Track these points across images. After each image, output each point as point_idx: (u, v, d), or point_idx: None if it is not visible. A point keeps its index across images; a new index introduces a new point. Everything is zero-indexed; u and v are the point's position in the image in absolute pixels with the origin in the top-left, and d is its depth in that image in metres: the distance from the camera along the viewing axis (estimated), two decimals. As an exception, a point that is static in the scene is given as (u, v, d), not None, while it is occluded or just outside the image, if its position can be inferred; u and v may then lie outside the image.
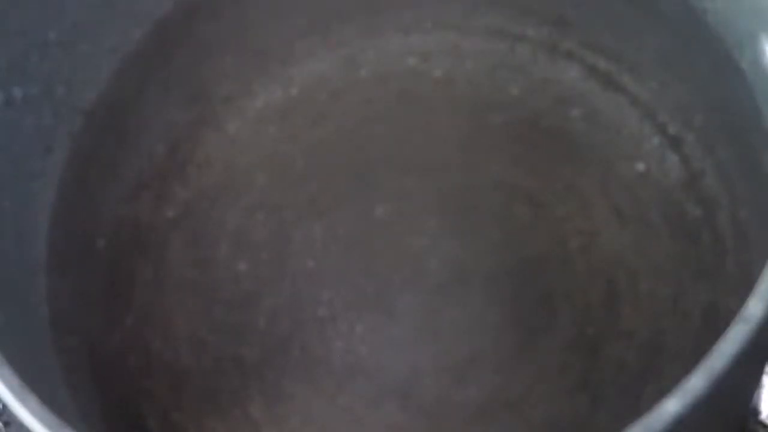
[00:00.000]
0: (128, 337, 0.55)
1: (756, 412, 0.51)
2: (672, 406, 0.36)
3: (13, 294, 0.48)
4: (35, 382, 0.41)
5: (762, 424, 0.51)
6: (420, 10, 0.59)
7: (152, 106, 0.57)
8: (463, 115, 0.57)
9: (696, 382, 0.37)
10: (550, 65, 0.57)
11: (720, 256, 0.52)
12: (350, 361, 0.54)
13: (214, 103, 0.59)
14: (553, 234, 0.55)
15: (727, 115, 0.52)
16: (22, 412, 0.41)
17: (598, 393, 0.51)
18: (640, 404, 0.50)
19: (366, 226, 0.56)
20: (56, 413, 0.40)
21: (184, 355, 0.54)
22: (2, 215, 0.50)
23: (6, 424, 0.55)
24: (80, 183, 0.55)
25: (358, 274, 0.55)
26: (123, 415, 0.52)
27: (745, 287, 0.39)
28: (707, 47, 0.51)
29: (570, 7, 0.57)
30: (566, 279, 0.54)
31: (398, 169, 0.57)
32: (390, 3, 0.59)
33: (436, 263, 0.55)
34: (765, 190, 0.50)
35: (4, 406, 0.42)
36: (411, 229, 0.56)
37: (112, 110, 0.56)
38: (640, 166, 0.55)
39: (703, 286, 0.52)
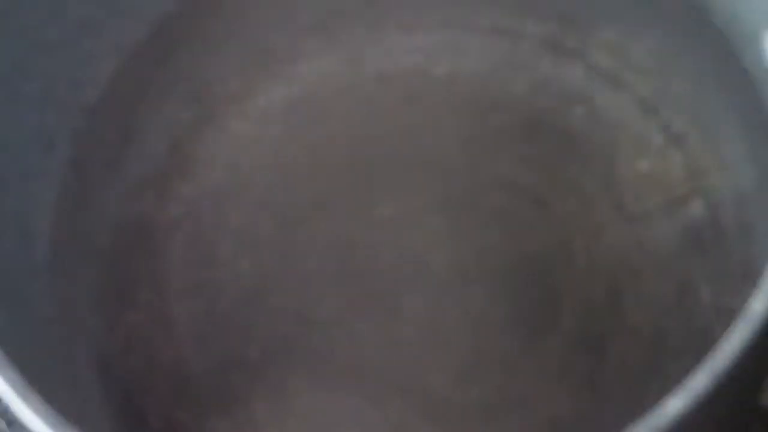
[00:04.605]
0: (131, 335, 0.55)
1: (760, 409, 0.51)
2: (676, 404, 0.36)
3: (16, 293, 0.48)
4: (38, 381, 0.41)
5: (765, 421, 0.51)
6: (423, 9, 0.59)
7: (155, 105, 0.57)
8: (466, 113, 0.57)
9: (700, 381, 0.37)
10: (553, 63, 0.57)
11: (723, 253, 0.52)
12: (354, 361, 0.54)
13: (217, 101, 0.59)
14: (557, 232, 0.55)
15: (730, 113, 0.52)
16: (25, 411, 0.41)
17: (602, 391, 0.51)
18: (644, 402, 0.49)
19: (369, 225, 0.56)
20: (59, 412, 0.40)
21: (187, 355, 0.54)
22: (4, 214, 0.50)
23: (9, 423, 0.55)
24: (82, 181, 0.55)
25: (361, 273, 0.55)
26: (126, 414, 0.52)
27: (748, 285, 0.39)
28: (711, 45, 0.51)
29: (573, 5, 0.57)
30: (570, 277, 0.54)
31: (402, 167, 0.57)
32: (393, 1, 0.59)
33: (439, 262, 0.55)
34: (769, 188, 0.50)
35: (7, 405, 0.42)
36: (414, 227, 0.56)
37: (114, 108, 0.56)
38: (644, 164, 0.55)
39: (707, 284, 0.52)
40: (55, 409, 0.40)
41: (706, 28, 0.51)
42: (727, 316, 0.48)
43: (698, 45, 0.53)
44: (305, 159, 0.58)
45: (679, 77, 0.55)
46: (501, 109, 0.57)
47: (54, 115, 0.53)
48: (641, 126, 0.56)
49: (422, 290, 0.55)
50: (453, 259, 0.55)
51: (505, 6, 0.58)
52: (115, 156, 0.57)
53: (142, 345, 0.54)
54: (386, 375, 0.53)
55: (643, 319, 0.52)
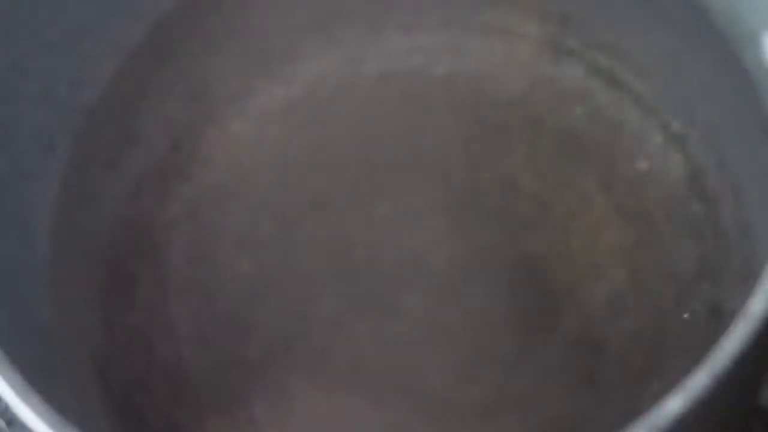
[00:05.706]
0: (130, 336, 0.54)
1: (760, 409, 0.51)
2: (675, 403, 0.36)
3: (16, 293, 0.48)
4: (37, 381, 0.41)
5: (765, 421, 0.51)
6: (423, 9, 0.59)
7: (154, 105, 0.57)
8: (465, 113, 0.57)
9: (699, 380, 0.37)
10: (552, 63, 0.57)
11: (723, 253, 0.52)
12: (353, 360, 0.54)
13: (216, 101, 0.59)
14: (556, 232, 0.55)
15: (730, 113, 0.52)
16: (24, 410, 0.41)
17: (602, 391, 0.51)
18: (644, 402, 0.50)
19: (369, 225, 0.56)
20: (59, 412, 0.40)
21: (186, 355, 0.54)
22: (4, 214, 0.50)
23: (9, 423, 0.55)
24: (82, 182, 0.55)
25: (360, 272, 0.55)
26: (125, 414, 0.52)
27: (748, 285, 0.39)
28: (710, 45, 0.51)
29: (573, 5, 0.57)
30: (569, 277, 0.54)
31: (401, 167, 0.57)
32: (393, 1, 0.59)
33: (438, 262, 0.55)
34: (768, 188, 0.50)
35: (7, 405, 0.42)
36: (414, 227, 0.56)
37: (113, 109, 0.56)
38: (643, 164, 0.55)
39: (707, 284, 0.52)
40: (55, 409, 0.40)
41: (706, 28, 0.51)
42: (727, 316, 0.49)
43: (698, 45, 0.53)
44: (305, 159, 0.58)
45: (678, 77, 0.55)
46: (500, 109, 0.57)
47: (54, 115, 0.53)
48: (641, 126, 0.56)
49: (422, 290, 0.54)
50: (453, 259, 0.55)
51: (505, 6, 0.58)
52: (115, 156, 0.57)
53: (141, 345, 0.54)
54: (386, 375, 0.53)
55: (643, 319, 0.52)
